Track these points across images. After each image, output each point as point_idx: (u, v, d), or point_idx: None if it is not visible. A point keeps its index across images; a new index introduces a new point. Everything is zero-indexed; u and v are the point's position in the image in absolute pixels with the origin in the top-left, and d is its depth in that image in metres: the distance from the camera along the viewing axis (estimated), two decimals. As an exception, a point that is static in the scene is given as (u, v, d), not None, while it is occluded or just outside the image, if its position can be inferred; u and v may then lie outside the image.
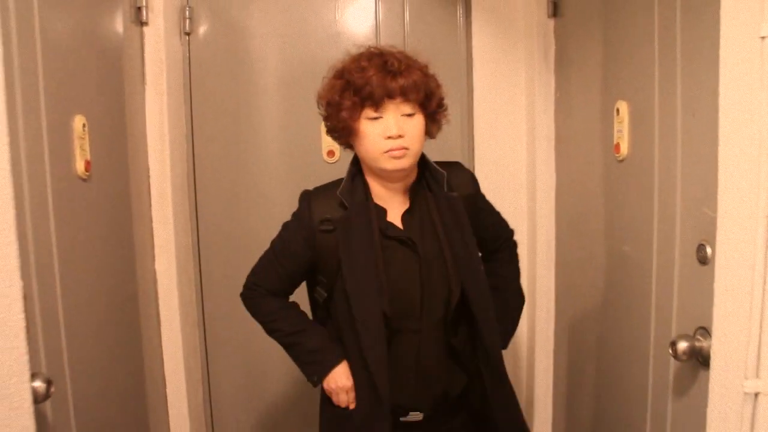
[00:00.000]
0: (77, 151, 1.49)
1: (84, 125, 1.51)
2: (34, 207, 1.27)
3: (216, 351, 2.29)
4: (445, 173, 1.52)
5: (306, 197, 1.55)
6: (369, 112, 1.40)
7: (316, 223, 1.49)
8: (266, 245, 2.25)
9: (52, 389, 1.19)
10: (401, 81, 1.38)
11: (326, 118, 1.50)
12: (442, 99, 1.49)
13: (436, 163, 1.54)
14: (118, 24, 1.81)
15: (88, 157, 1.53)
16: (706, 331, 1.21)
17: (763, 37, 0.98)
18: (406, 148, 1.40)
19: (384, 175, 1.47)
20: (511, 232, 1.73)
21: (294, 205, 2.19)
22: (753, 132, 1.02)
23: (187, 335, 2.13)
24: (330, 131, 1.52)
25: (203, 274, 2.26)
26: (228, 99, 2.20)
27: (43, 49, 1.33)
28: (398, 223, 1.51)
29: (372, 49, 1.46)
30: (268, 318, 1.58)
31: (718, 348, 1.10)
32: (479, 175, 2.09)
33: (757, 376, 1.04)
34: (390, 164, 1.41)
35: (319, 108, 1.51)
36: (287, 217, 2.24)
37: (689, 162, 1.30)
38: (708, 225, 1.16)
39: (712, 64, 1.09)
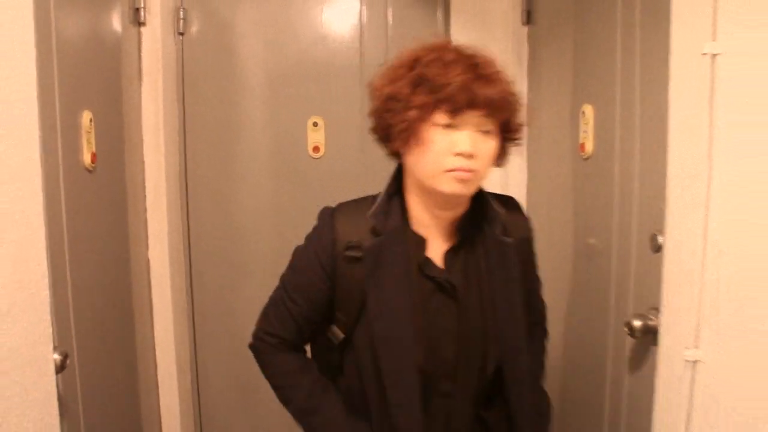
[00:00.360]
0: (84, 144, 1.59)
1: (91, 120, 1.62)
2: (49, 196, 1.37)
3: (204, 335, 2.40)
4: (502, 212, 1.29)
5: (328, 215, 1.27)
6: (441, 118, 1.14)
7: (340, 248, 1.23)
8: (252, 235, 2.39)
9: (68, 362, 1.31)
10: (490, 91, 1.13)
11: (380, 114, 1.22)
12: (521, 125, 1.25)
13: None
14: (118, 24, 1.91)
15: (94, 150, 1.64)
16: (657, 311, 1.36)
17: (704, 54, 1.13)
18: (475, 172, 1.16)
19: (435, 199, 1.22)
20: (545, 315, 1.49)
21: (281, 197, 2.33)
22: (697, 137, 1.17)
23: (178, 320, 2.24)
24: (380, 130, 1.24)
25: (193, 262, 2.36)
26: (218, 96, 2.30)
27: (58, 49, 1.43)
28: (439, 262, 1.26)
29: (450, 45, 1.20)
30: (280, 382, 1.32)
31: (666, 323, 1.26)
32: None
33: (697, 346, 1.20)
34: (450, 187, 1.16)
35: (372, 100, 1.24)
36: (274, 211, 2.38)
37: (645, 161, 1.45)
38: (660, 217, 1.31)
39: (666, 74, 1.24)
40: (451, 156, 1.14)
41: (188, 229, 2.34)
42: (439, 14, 2.35)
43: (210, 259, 2.36)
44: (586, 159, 1.75)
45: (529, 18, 2.19)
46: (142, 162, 2.11)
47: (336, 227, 1.24)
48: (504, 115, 1.18)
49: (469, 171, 1.15)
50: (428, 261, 1.25)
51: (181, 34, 2.25)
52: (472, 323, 1.24)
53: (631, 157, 1.51)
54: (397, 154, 1.25)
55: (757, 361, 1.11)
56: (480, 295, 1.25)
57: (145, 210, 2.13)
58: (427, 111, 1.13)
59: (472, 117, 1.14)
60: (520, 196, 2.24)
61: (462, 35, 2.27)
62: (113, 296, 1.86)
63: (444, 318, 1.23)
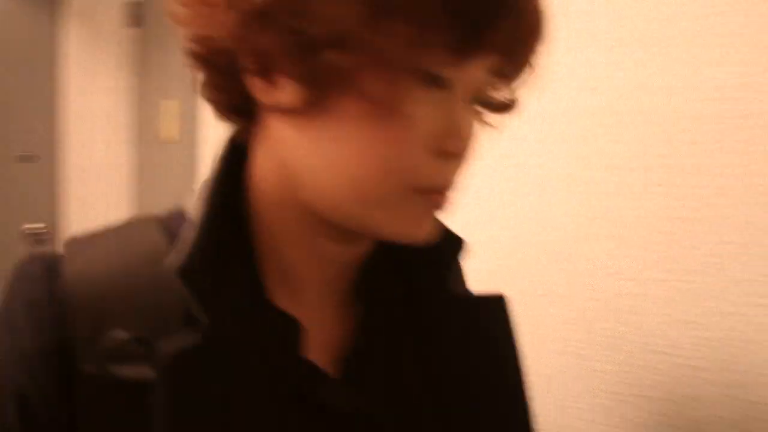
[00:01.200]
0: None
1: None
2: None
3: None
4: (464, 241, 0.58)
5: (44, 271, 0.46)
6: (440, 59, 0.42)
7: (103, 354, 0.43)
8: None
9: None
10: (539, 26, 0.46)
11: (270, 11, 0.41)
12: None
13: None
14: None
15: None
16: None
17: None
18: (455, 186, 0.49)
19: (330, 227, 0.49)
20: None
21: None
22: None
23: None
24: (247, 49, 0.43)
25: None
26: None
27: None
28: (327, 362, 0.52)
29: None
30: None
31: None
32: (71, 176, 2.14)
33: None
34: (419, 228, 0.47)
35: None
36: None
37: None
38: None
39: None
40: (431, 154, 0.45)
41: None
42: (48, 10, 2.24)
43: None
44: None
45: (137, 21, 2.23)
46: None
47: (75, 301, 0.46)
48: (525, 62, 0.49)
49: (449, 189, 0.48)
50: (314, 371, 0.50)
51: None
52: None
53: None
54: (235, 117, 0.51)
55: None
56: (420, 418, 0.54)
57: None
58: (418, 41, 0.41)
59: (483, 65, 0.46)
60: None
61: (72, 34, 2.22)
62: None
63: None
